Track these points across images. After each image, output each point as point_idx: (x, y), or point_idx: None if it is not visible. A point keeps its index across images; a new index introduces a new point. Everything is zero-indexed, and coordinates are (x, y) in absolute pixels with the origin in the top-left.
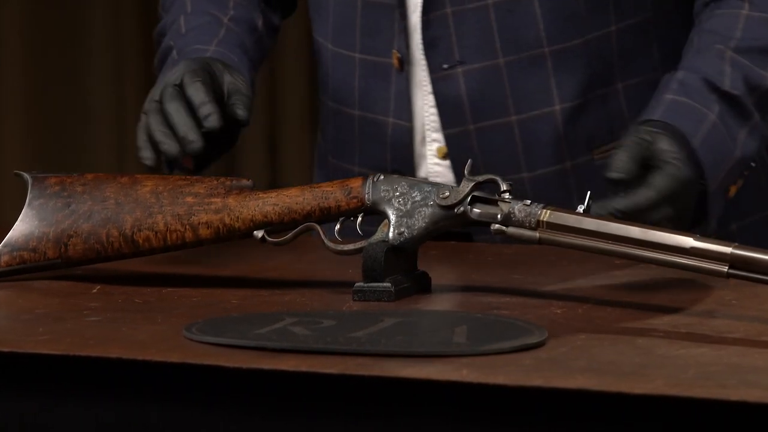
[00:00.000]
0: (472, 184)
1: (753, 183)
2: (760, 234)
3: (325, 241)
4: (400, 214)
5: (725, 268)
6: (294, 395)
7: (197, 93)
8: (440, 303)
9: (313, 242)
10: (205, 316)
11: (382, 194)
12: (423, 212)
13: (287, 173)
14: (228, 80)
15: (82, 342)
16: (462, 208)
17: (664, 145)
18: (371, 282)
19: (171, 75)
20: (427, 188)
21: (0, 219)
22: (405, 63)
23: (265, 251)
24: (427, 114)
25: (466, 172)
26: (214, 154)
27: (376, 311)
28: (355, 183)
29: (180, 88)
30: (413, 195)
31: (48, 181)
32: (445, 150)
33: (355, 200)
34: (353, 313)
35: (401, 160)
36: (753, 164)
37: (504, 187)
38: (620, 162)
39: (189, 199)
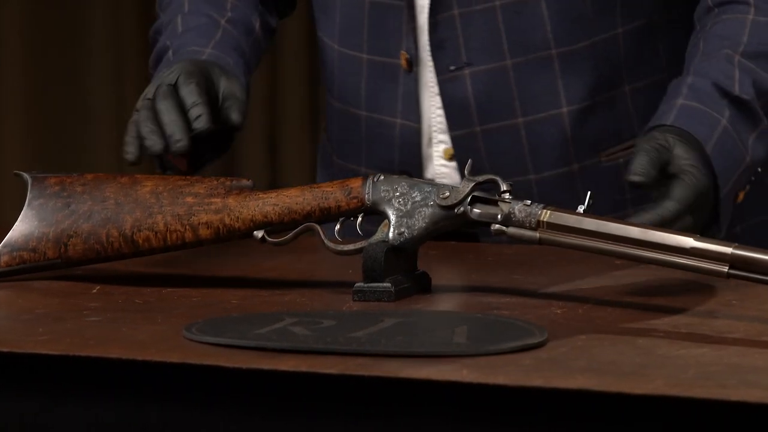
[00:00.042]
0: (472, 184)
1: (757, 184)
2: (764, 236)
3: (325, 241)
4: (400, 214)
5: (725, 269)
6: (294, 395)
7: (190, 94)
8: (440, 303)
9: (313, 242)
10: (205, 316)
11: (382, 194)
12: (423, 212)
13: (287, 173)
14: (224, 84)
15: (82, 342)
16: (462, 208)
17: (682, 152)
18: (371, 282)
19: (167, 74)
20: (427, 188)
21: (0, 219)
22: (413, 64)
23: (265, 251)
24: (433, 115)
25: (466, 172)
26: (208, 157)
27: (376, 311)
28: (355, 183)
29: (174, 88)
30: (413, 195)
31: (48, 181)
32: (451, 151)
33: (355, 200)
34: (353, 313)
35: (408, 161)
36: (760, 169)
37: (504, 187)
38: (640, 166)
39: (189, 199)
